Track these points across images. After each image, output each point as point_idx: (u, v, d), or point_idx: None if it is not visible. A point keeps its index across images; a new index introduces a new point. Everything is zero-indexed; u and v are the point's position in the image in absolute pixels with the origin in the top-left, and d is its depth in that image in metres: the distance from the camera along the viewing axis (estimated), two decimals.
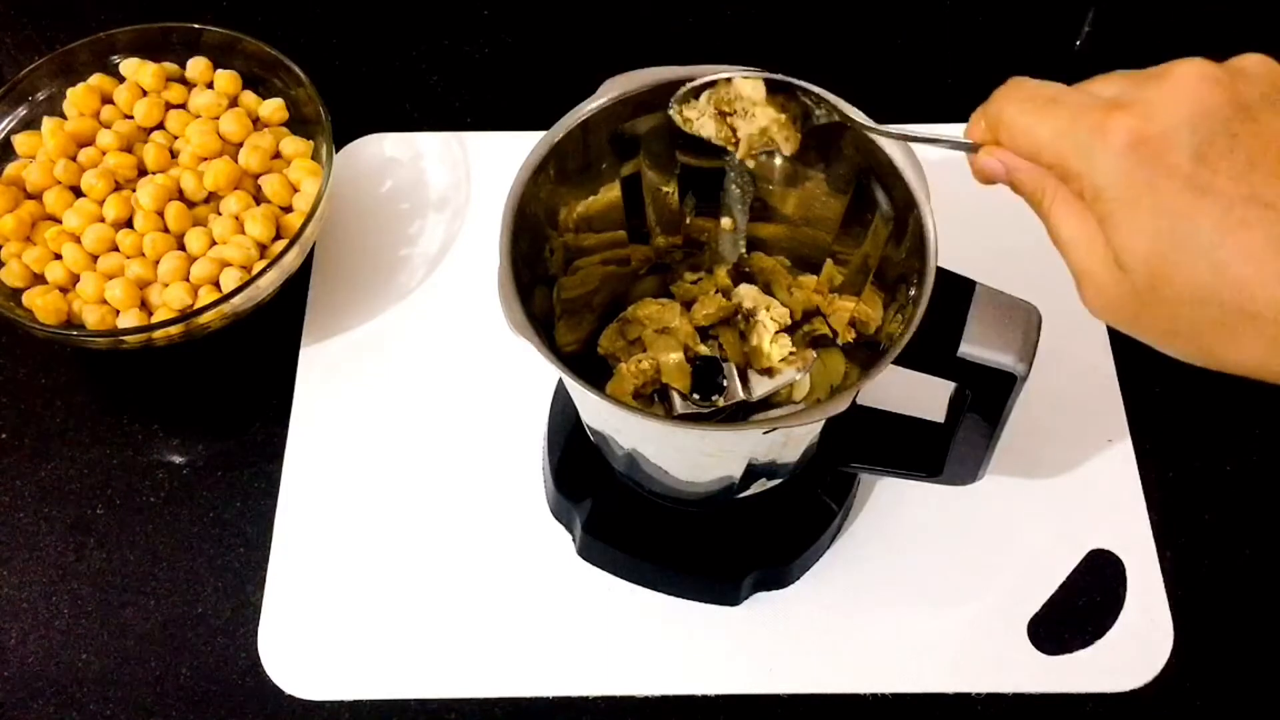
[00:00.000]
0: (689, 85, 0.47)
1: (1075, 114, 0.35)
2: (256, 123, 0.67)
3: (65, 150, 0.64)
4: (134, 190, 0.63)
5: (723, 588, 0.56)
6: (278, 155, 0.66)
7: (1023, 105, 0.37)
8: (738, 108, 0.47)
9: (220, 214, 0.63)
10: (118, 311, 0.60)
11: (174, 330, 0.59)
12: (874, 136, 0.45)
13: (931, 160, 0.46)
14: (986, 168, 0.38)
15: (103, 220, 0.62)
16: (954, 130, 0.40)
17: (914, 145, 0.46)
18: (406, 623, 0.57)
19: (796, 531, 0.57)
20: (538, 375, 0.62)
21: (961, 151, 0.40)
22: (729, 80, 0.46)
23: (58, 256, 0.62)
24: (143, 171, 0.65)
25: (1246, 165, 0.33)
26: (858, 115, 0.45)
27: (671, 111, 0.48)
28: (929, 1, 0.80)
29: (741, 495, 0.54)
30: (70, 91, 0.66)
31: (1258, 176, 0.32)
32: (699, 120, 0.48)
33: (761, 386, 0.56)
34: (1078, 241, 0.36)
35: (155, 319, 0.61)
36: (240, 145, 0.65)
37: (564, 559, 0.58)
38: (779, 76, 0.46)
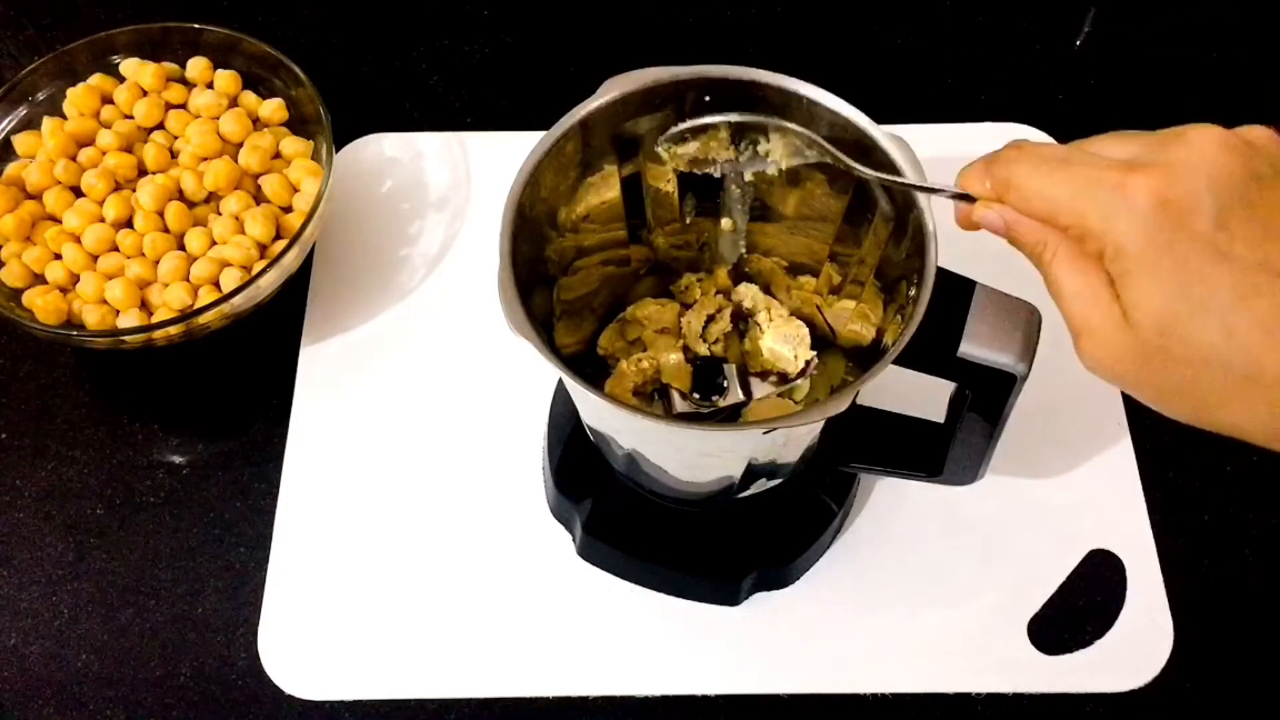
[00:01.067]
0: (679, 128, 0.48)
1: (1094, 175, 0.36)
2: (256, 123, 0.67)
3: (65, 150, 0.64)
4: (134, 190, 0.63)
5: (723, 588, 0.56)
6: (278, 155, 0.66)
7: (1036, 167, 0.37)
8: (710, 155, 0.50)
9: (220, 214, 0.63)
10: (118, 311, 0.60)
11: (174, 330, 0.59)
12: (868, 143, 0.45)
13: (931, 161, 0.46)
14: (985, 220, 0.39)
15: (103, 220, 0.62)
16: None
17: (912, 144, 0.46)
18: (406, 623, 0.57)
19: (796, 531, 0.57)
20: (538, 375, 0.62)
21: (945, 198, 0.40)
22: (718, 127, 0.48)
23: (58, 256, 0.62)
24: (143, 171, 0.65)
25: (1262, 233, 0.34)
26: (863, 147, 0.46)
27: (660, 148, 0.49)
28: (929, 1, 0.80)
29: (741, 495, 0.54)
30: (70, 91, 0.66)
31: (1271, 245, 0.34)
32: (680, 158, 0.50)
33: (761, 388, 0.56)
34: (1081, 296, 0.36)
35: (155, 319, 0.61)
36: (240, 145, 0.65)
37: (564, 559, 0.58)
38: (774, 120, 0.47)
